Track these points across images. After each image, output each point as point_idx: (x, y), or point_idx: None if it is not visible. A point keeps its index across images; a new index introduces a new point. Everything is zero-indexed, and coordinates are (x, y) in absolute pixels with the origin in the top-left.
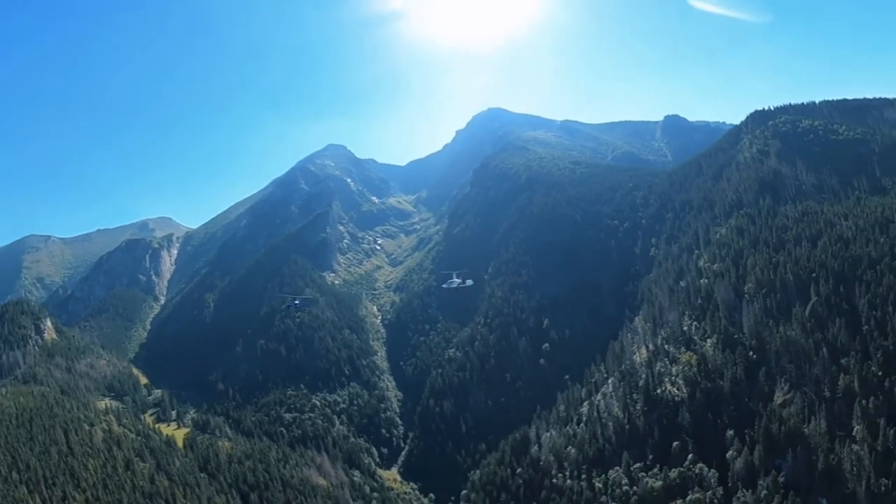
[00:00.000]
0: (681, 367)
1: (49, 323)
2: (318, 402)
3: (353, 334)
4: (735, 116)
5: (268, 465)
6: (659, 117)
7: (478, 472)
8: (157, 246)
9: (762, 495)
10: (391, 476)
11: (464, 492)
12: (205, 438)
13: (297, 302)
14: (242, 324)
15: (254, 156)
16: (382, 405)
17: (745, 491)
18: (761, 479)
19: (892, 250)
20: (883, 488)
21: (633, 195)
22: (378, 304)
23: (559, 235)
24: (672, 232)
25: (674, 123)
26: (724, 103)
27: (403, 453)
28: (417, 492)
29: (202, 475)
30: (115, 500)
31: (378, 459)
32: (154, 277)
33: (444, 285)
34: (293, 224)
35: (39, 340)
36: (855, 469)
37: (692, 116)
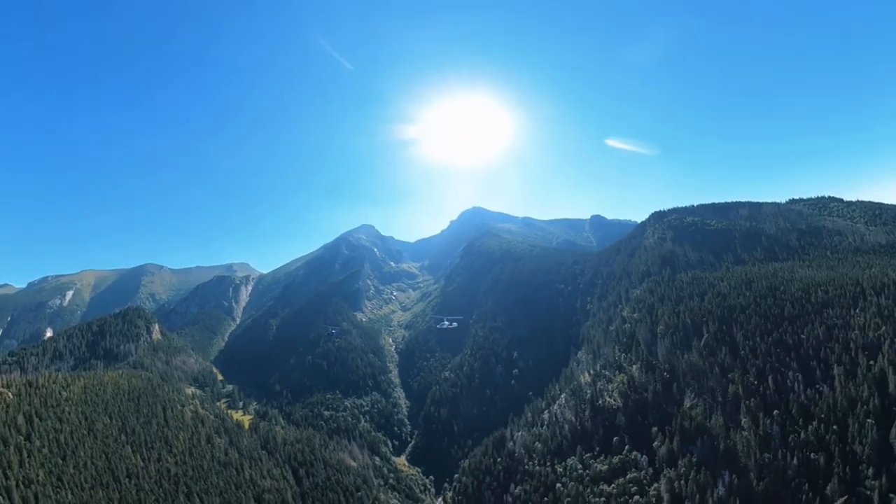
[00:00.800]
0: (615, 385)
1: (156, 327)
2: (348, 405)
3: (375, 357)
4: (639, 215)
5: (312, 448)
6: (587, 216)
7: (467, 461)
8: (238, 282)
9: (682, 471)
10: (401, 462)
11: (456, 475)
12: (264, 424)
13: (334, 332)
14: (296, 343)
15: (309, 226)
16: (395, 409)
17: (669, 469)
18: (680, 461)
19: (755, 300)
20: (766, 460)
21: (573, 268)
22: (392, 336)
23: (523, 295)
24: (602, 292)
25: (597, 220)
26: (631, 206)
27: (410, 445)
28: (421, 474)
29: (263, 452)
30: (197, 465)
31: (391, 449)
32: (234, 304)
33: (437, 326)
34: (335, 276)
35: (148, 339)
36: (745, 449)
37: (610, 215)
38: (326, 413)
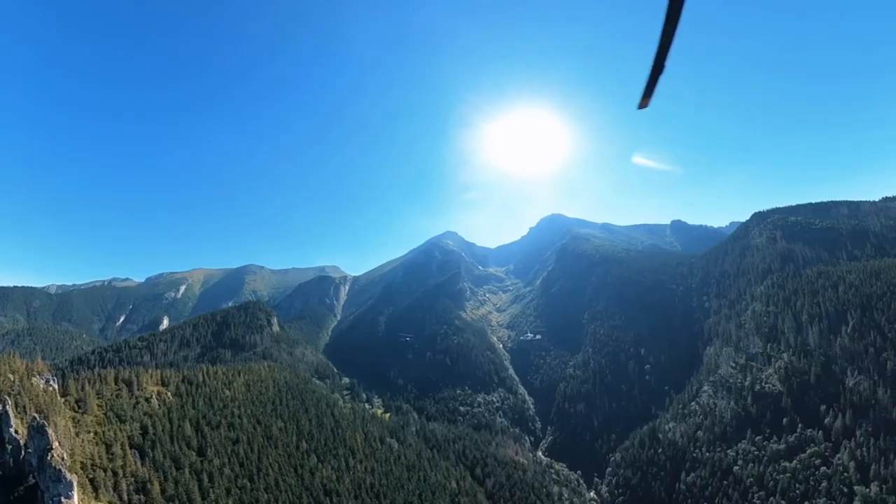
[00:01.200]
0: (772, 372)
1: (275, 319)
2: (481, 400)
3: (493, 354)
4: (714, 221)
5: (477, 445)
6: (666, 221)
7: (617, 454)
8: (338, 282)
9: (860, 441)
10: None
11: (609, 469)
12: (401, 418)
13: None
14: (410, 339)
15: (392, 232)
16: (524, 405)
17: (847, 441)
18: (857, 431)
19: (889, 289)
20: None
21: (678, 269)
22: (496, 335)
23: (636, 295)
24: (719, 290)
25: (678, 225)
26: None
27: (547, 441)
28: (566, 469)
29: (430, 451)
30: (386, 471)
31: (530, 445)
32: (335, 302)
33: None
34: (434, 278)
35: (269, 330)
36: None
37: (690, 221)
38: (462, 409)
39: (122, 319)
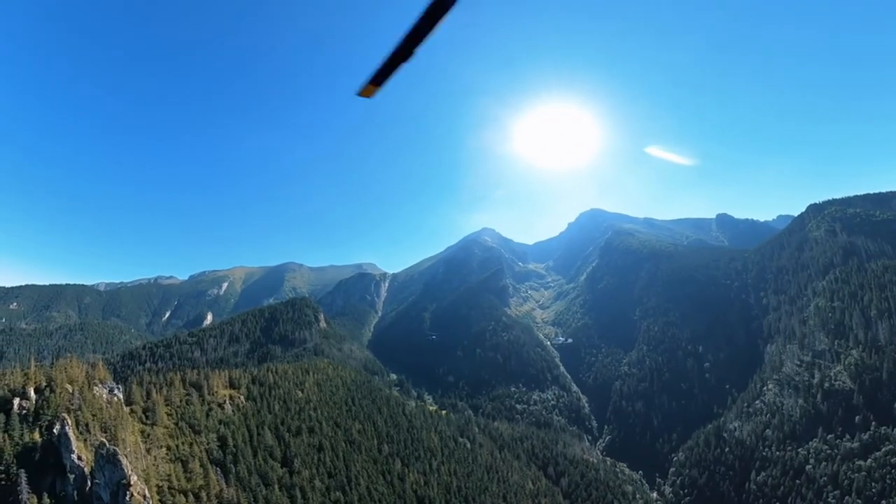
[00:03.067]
0: (841, 369)
1: (322, 316)
2: (536, 398)
3: (543, 352)
4: (759, 214)
5: (545, 443)
6: (707, 215)
7: (681, 453)
8: (378, 279)
9: None
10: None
11: (672, 469)
12: (460, 416)
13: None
14: (457, 336)
15: (431, 228)
16: (580, 403)
17: None
18: None
19: None
20: None
21: (731, 265)
22: (542, 333)
23: (689, 291)
24: (776, 286)
25: (725, 219)
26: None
27: (604, 440)
28: (627, 468)
29: (498, 450)
30: (468, 472)
31: (588, 443)
32: (376, 298)
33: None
34: (475, 274)
35: (318, 326)
36: None
37: (733, 214)
38: (519, 406)
39: (167, 315)
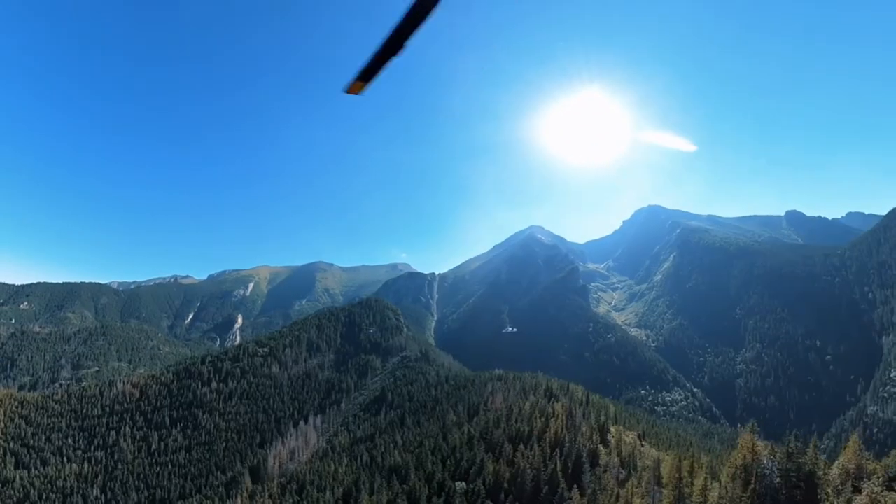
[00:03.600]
0: None
1: (402, 318)
2: (669, 400)
3: (656, 353)
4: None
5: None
6: (780, 212)
7: (827, 440)
8: (429, 279)
9: None
10: None
11: (823, 457)
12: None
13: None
14: (551, 337)
15: (475, 227)
16: (708, 402)
17: None
18: None
19: None
20: None
21: (828, 261)
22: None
23: (793, 288)
24: (881, 281)
25: (795, 217)
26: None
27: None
28: None
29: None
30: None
31: None
32: (430, 300)
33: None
34: (544, 274)
35: (406, 332)
36: None
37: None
38: (658, 409)
39: (190, 317)
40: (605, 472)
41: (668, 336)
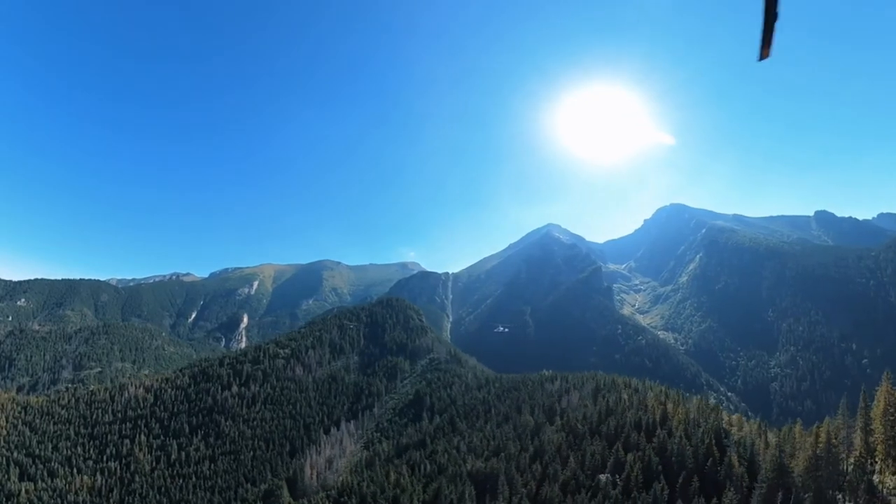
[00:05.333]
0: None
1: (424, 318)
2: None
3: (687, 356)
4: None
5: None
6: (807, 212)
7: None
8: (444, 279)
9: None
10: None
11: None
12: None
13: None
14: (580, 339)
15: (487, 224)
16: (743, 405)
17: None
18: None
19: None
20: None
21: (863, 263)
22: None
23: (825, 290)
24: None
25: (825, 217)
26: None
27: None
28: None
29: None
30: None
31: None
32: (445, 300)
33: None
34: (564, 274)
35: (431, 332)
36: None
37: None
38: None
39: (193, 316)
40: (739, 445)
41: (698, 339)
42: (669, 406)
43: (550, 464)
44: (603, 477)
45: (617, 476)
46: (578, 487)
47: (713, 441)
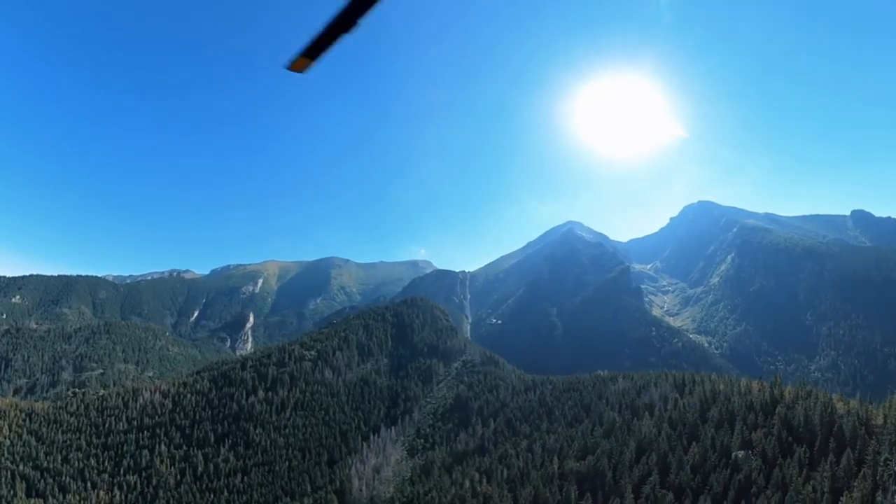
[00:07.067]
0: None
1: (450, 318)
2: None
3: (724, 361)
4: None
5: None
6: (843, 211)
7: None
8: (461, 278)
9: None
10: None
11: None
12: None
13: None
14: (611, 340)
15: (502, 221)
16: None
17: None
18: None
19: None
20: None
21: None
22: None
23: (867, 292)
24: None
25: (862, 217)
26: None
27: None
28: None
29: None
30: None
31: None
32: (464, 300)
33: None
34: (591, 274)
35: (461, 333)
36: None
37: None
38: None
39: (195, 315)
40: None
41: (734, 342)
42: (773, 389)
43: (671, 452)
44: (740, 453)
45: (749, 451)
46: (713, 467)
47: (833, 410)
